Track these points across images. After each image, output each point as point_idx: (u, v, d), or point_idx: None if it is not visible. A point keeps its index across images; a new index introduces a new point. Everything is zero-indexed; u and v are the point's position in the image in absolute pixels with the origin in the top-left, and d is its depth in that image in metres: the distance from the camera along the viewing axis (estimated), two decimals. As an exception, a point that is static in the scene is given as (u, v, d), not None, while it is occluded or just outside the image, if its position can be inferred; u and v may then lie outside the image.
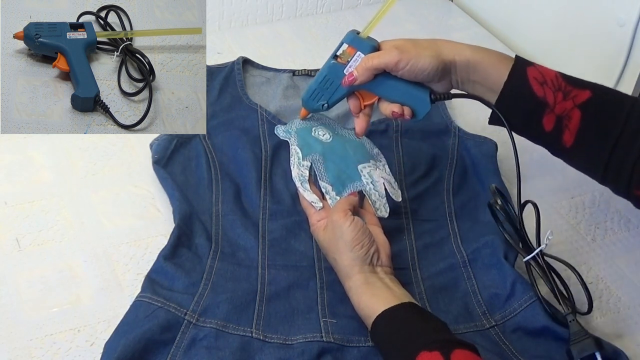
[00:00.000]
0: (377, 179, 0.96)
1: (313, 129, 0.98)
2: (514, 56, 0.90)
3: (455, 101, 1.22)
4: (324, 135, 0.98)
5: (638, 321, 0.91)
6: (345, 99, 0.94)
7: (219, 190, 1.00)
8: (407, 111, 0.91)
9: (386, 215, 0.95)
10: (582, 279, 0.87)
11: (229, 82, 1.17)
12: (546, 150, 1.03)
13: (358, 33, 0.92)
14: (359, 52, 0.91)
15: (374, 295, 0.82)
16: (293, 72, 1.21)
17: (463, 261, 0.94)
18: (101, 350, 0.80)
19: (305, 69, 1.22)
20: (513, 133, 0.89)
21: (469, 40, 1.40)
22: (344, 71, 0.91)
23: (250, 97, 1.14)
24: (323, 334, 0.84)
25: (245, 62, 1.21)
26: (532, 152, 1.04)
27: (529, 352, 0.84)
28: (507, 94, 0.87)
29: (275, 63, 1.25)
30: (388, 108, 0.91)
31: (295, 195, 1.00)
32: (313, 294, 0.89)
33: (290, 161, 0.95)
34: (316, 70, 1.21)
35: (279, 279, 0.90)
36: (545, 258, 0.89)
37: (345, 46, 0.91)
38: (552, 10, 1.34)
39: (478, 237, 0.96)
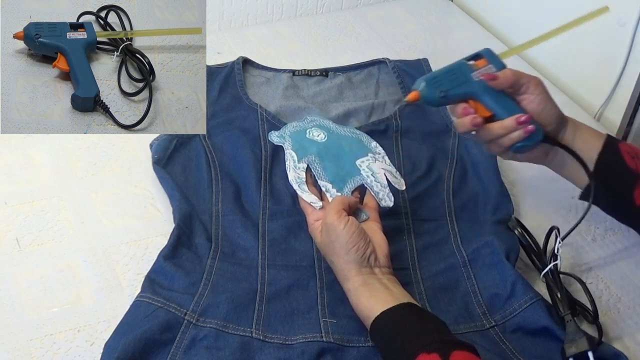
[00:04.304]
0: (377, 170, 0.96)
1: (307, 131, 0.99)
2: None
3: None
4: (318, 135, 0.98)
5: (638, 321, 0.91)
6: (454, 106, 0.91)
7: (219, 190, 1.00)
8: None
9: (391, 204, 0.94)
10: (589, 293, 0.88)
11: (229, 82, 1.17)
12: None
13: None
14: (490, 65, 0.91)
15: (372, 297, 0.82)
16: (293, 72, 1.21)
17: (463, 261, 0.94)
18: (101, 350, 0.80)
19: (305, 69, 1.22)
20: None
21: (469, 40, 1.42)
22: (473, 75, 0.90)
23: (250, 97, 1.14)
24: (323, 334, 0.84)
25: (245, 62, 1.21)
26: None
27: (529, 352, 0.84)
28: (601, 164, 0.89)
29: (275, 63, 1.25)
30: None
31: (295, 195, 1.00)
32: (313, 294, 0.89)
33: (286, 165, 0.95)
34: (316, 71, 1.23)
35: (279, 279, 0.90)
36: (560, 272, 0.91)
37: (478, 57, 0.92)
38: (552, 10, 1.34)
39: (478, 237, 0.96)
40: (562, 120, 0.91)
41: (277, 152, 1.06)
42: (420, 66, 1.24)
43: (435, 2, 1.53)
